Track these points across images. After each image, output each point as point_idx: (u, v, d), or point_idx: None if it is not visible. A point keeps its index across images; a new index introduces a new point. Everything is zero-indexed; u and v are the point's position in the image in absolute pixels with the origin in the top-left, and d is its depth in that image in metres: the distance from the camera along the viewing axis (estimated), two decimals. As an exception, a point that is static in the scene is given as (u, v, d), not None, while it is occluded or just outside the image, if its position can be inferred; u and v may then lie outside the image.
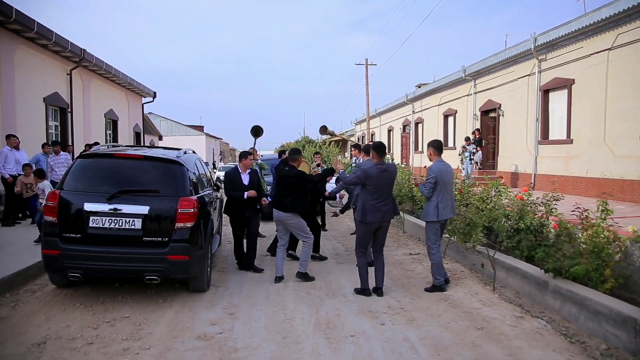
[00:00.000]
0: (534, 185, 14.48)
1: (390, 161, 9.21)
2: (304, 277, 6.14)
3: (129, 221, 4.94)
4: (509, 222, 6.58)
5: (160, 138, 32.29)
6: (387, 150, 7.38)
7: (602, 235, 5.26)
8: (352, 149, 8.88)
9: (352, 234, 8.69)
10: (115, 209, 4.91)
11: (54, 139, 13.94)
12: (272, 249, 7.68)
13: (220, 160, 60.27)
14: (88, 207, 4.91)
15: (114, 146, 6.40)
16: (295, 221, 6.12)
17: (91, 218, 4.90)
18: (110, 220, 4.92)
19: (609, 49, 11.55)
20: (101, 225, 4.91)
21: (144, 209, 4.96)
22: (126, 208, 4.94)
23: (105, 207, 4.91)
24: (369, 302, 5.26)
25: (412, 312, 4.91)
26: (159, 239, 4.98)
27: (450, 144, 21.12)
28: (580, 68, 12.67)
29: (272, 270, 6.63)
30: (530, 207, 6.27)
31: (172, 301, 5.28)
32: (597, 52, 11.94)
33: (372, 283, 5.62)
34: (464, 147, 15.21)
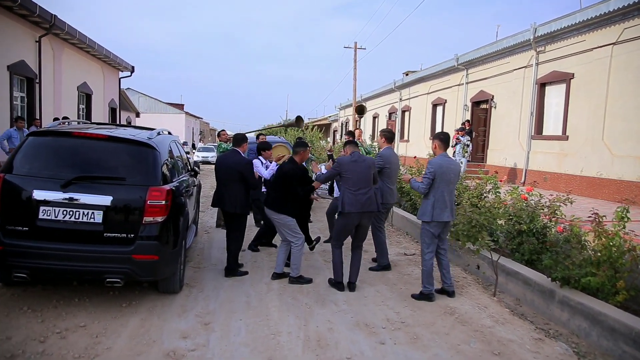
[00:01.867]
0: (524, 181, 14.09)
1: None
2: (299, 281, 5.51)
3: (88, 213, 4.16)
4: (510, 223, 6.07)
5: (138, 115, 30.96)
6: (394, 137, 6.67)
7: (618, 244, 4.79)
8: (346, 136, 8.21)
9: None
10: (71, 199, 4.12)
11: (19, 112, 12.93)
12: (254, 244, 7.02)
13: (200, 140, 58.89)
14: (38, 195, 4.11)
15: (85, 123, 5.58)
16: (279, 217, 5.46)
17: (42, 208, 4.11)
18: (64, 212, 4.13)
19: (614, 43, 11.06)
20: (53, 217, 4.12)
21: (106, 200, 4.18)
22: (84, 198, 4.15)
23: (59, 196, 4.12)
24: (364, 313, 4.64)
25: (415, 328, 4.29)
26: (123, 235, 4.22)
27: (438, 134, 20.60)
28: (581, 62, 12.18)
29: (253, 269, 5.98)
30: (542, 209, 5.72)
31: (138, 305, 4.57)
32: (601, 47, 11.44)
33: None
34: (457, 138, 14.49)
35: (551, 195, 5.97)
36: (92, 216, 4.17)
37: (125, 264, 4.20)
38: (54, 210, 4.13)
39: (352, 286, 5.33)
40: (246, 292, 5.13)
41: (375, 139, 25.04)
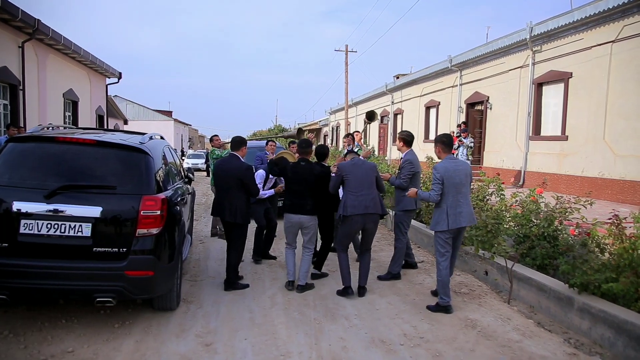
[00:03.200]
0: (523, 182, 13.87)
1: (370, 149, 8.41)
2: (305, 288, 5.35)
3: (75, 226, 3.77)
4: (526, 227, 5.79)
5: (126, 122, 30.39)
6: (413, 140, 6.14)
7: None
8: (345, 140, 7.92)
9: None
10: (56, 210, 3.72)
11: (2, 120, 12.42)
12: (256, 256, 6.62)
13: (189, 147, 58.24)
14: (19, 206, 3.70)
15: (70, 128, 5.18)
16: (314, 224, 5.42)
17: (23, 222, 3.70)
18: (49, 225, 3.73)
19: (613, 41, 10.89)
20: (36, 232, 3.72)
21: (94, 211, 3.79)
22: (71, 209, 3.76)
23: (42, 208, 3.72)
24: (379, 328, 4.28)
25: (436, 344, 3.95)
26: (114, 249, 3.83)
27: (432, 136, 20.39)
28: (579, 61, 12.01)
29: (254, 281, 5.61)
30: (560, 212, 5.43)
31: (132, 325, 4.17)
32: (600, 45, 11.28)
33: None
34: (460, 140, 14.06)
35: (560, 197, 5.70)
36: (80, 229, 3.77)
37: (118, 281, 3.81)
38: (37, 223, 3.72)
39: (361, 291, 5.19)
40: (249, 307, 4.75)
41: (367, 144, 24.77)
